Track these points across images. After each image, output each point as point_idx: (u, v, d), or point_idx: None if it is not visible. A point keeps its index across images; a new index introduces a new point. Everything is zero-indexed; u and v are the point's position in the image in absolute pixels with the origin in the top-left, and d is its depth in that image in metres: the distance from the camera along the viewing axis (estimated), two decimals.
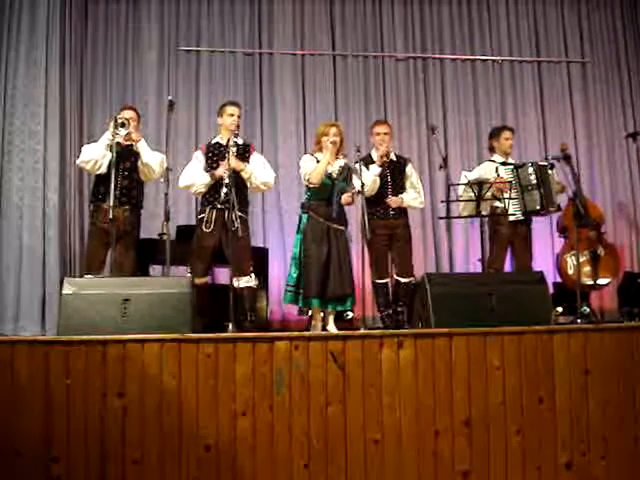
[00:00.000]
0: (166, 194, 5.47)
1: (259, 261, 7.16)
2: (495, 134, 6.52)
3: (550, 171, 6.26)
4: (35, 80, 7.26)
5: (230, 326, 4.79)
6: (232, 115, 5.69)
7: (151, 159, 5.69)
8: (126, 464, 3.71)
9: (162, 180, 5.63)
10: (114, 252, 5.46)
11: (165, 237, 5.42)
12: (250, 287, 5.59)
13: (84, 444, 3.71)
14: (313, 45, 8.29)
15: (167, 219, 5.40)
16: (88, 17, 7.88)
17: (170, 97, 5.76)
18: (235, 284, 5.33)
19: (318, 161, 5.70)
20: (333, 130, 5.74)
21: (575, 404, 4.01)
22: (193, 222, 6.49)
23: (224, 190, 5.46)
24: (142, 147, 5.68)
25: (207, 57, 8.12)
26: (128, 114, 5.75)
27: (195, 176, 5.65)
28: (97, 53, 7.88)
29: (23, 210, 7.10)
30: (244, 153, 5.69)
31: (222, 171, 5.48)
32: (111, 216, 5.21)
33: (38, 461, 3.68)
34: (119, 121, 5.53)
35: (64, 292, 4.25)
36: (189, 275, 5.36)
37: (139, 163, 5.68)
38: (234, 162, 5.41)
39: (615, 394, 4.05)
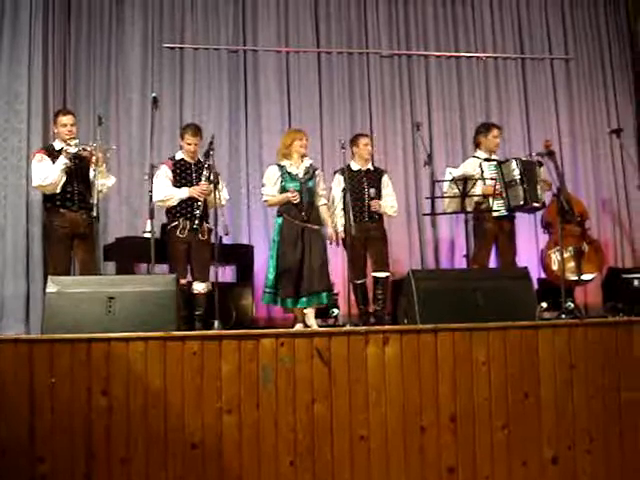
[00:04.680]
0: (150, 191, 5.45)
1: (244, 258, 7.18)
2: (483, 131, 6.53)
3: (539, 169, 6.30)
4: (18, 77, 7.21)
5: (216, 323, 4.79)
6: (190, 144, 5.89)
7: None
8: (112, 462, 3.69)
9: (146, 178, 5.63)
10: (84, 255, 5.65)
11: (149, 235, 5.42)
12: (205, 293, 5.81)
13: (70, 443, 3.68)
14: (297, 42, 8.27)
15: (151, 217, 5.40)
16: (71, 14, 7.79)
17: (154, 94, 5.75)
18: (196, 287, 5.81)
19: (283, 173, 5.85)
20: (300, 135, 5.99)
21: (560, 399, 4.02)
22: None
23: (198, 204, 5.75)
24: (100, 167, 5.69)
25: (191, 54, 8.06)
26: (71, 119, 5.81)
27: (171, 191, 5.81)
28: (80, 50, 7.79)
29: (7, 208, 7.07)
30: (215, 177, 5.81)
31: (197, 194, 5.74)
32: (95, 217, 5.32)
33: (23, 460, 3.64)
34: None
35: (48, 290, 4.21)
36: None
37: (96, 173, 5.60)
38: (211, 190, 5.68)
39: (600, 389, 4.07)
